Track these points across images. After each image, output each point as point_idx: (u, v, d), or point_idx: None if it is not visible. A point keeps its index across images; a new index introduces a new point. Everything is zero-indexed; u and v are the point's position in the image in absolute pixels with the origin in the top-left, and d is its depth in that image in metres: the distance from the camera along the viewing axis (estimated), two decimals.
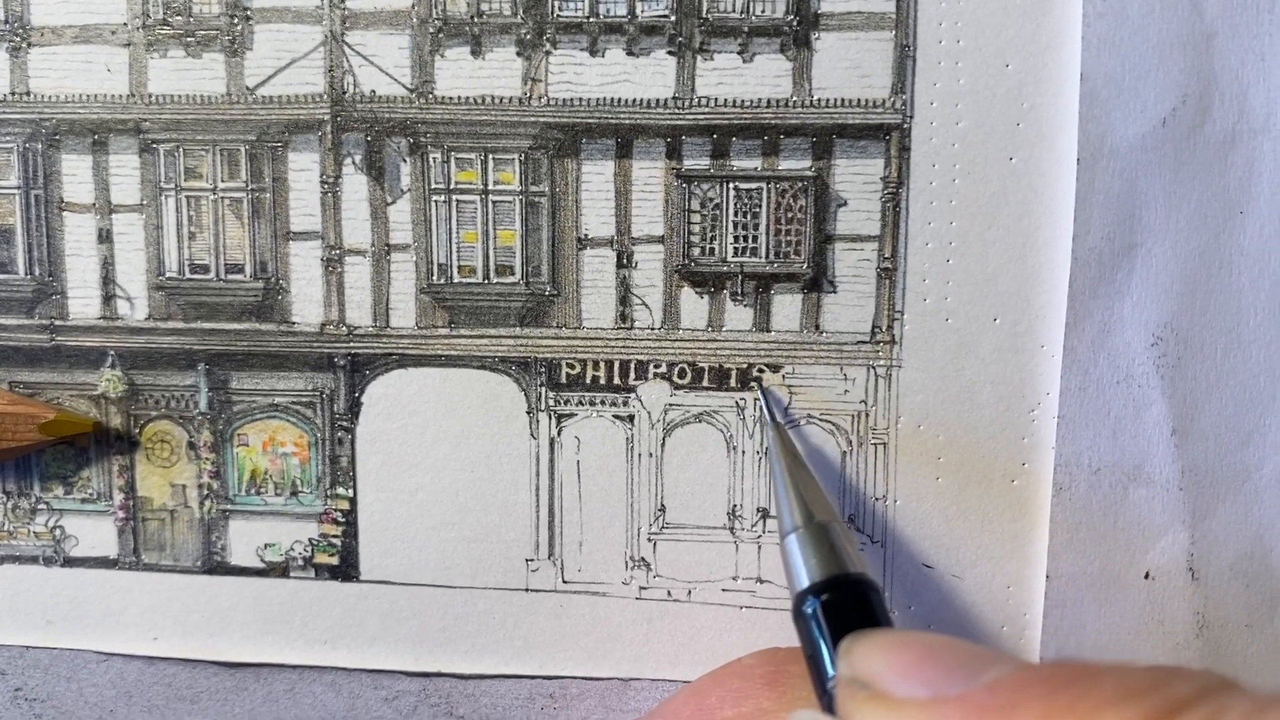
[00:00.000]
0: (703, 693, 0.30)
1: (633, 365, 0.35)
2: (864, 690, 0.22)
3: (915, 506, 0.34)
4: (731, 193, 0.34)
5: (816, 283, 0.34)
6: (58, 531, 0.37)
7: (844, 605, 0.27)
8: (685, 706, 0.30)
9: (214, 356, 0.36)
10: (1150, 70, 0.32)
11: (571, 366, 0.35)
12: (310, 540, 0.36)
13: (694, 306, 0.35)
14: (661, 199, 0.34)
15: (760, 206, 0.34)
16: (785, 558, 0.29)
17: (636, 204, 0.34)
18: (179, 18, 0.35)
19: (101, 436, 0.37)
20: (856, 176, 0.33)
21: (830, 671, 0.25)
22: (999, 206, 0.33)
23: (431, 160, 0.35)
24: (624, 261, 0.35)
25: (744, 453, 0.35)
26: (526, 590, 0.36)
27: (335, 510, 0.36)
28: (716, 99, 0.34)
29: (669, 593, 0.35)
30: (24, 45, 0.35)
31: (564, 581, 0.36)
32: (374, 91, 0.34)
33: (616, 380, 0.35)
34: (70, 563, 0.37)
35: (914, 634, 0.23)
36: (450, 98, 0.34)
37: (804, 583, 0.28)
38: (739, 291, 0.34)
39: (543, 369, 0.35)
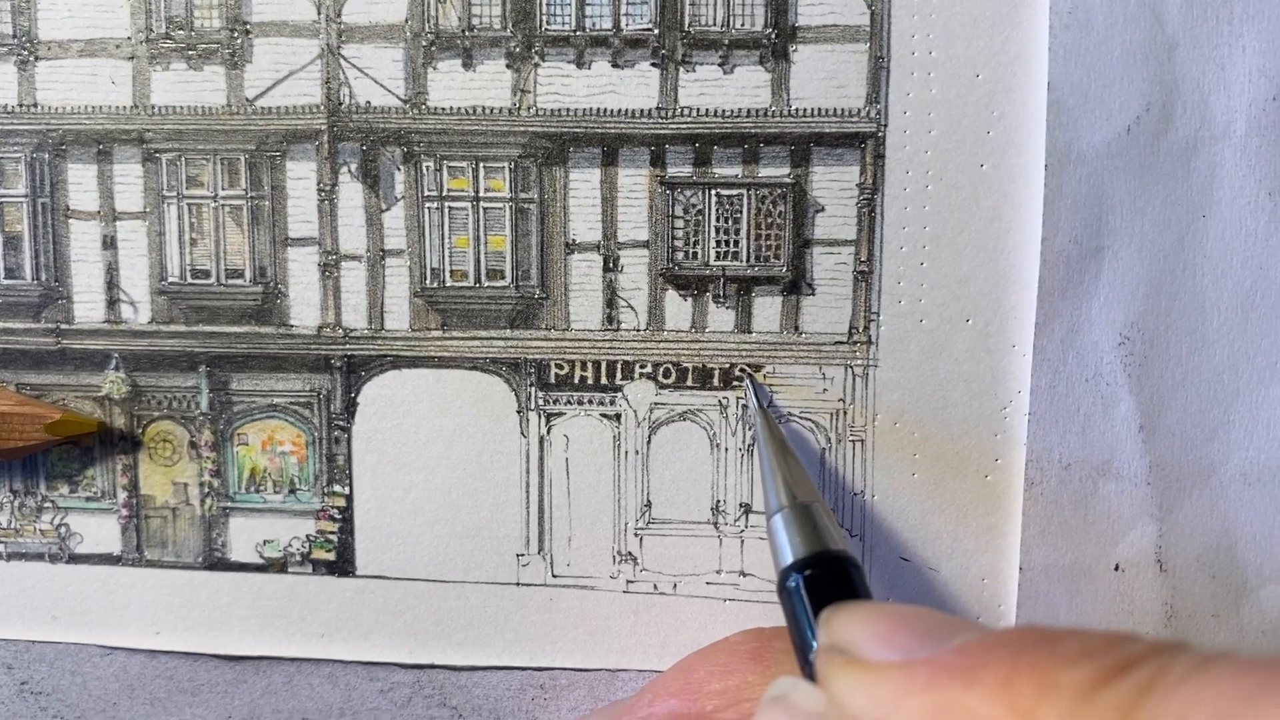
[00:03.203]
0: (691, 669, 0.31)
1: (619, 365, 0.36)
2: (841, 656, 0.22)
3: (892, 501, 0.35)
4: (713, 199, 0.35)
5: (796, 285, 0.35)
6: (63, 529, 0.38)
7: (825, 580, 0.28)
8: (674, 682, 0.31)
9: (215, 358, 0.37)
10: (1115, 80, 0.33)
11: (560, 367, 0.36)
12: (308, 536, 0.37)
13: (678, 309, 0.36)
14: (646, 205, 0.35)
15: (741, 212, 0.35)
16: (770, 536, 0.30)
17: (622, 210, 0.35)
18: (181, 32, 0.36)
19: (105, 436, 0.38)
20: (833, 183, 0.35)
21: (812, 643, 0.26)
22: (970, 211, 0.34)
23: (424, 168, 0.36)
24: (610, 265, 0.36)
25: (727, 450, 0.36)
26: (517, 584, 0.37)
27: (332, 507, 0.37)
28: (698, 109, 0.35)
29: (655, 586, 0.36)
30: (31, 59, 0.36)
31: (553, 575, 0.37)
32: (369, 102, 0.36)
33: (603, 380, 0.36)
34: (75, 559, 0.38)
35: (889, 605, 0.24)
36: (442, 108, 0.36)
37: (788, 559, 0.29)
38: (721, 294, 0.35)
39: (532, 369, 0.36)
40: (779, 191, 0.35)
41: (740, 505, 0.36)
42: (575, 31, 0.35)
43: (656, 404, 0.36)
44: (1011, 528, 0.35)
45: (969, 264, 0.34)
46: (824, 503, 0.31)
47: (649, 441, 0.36)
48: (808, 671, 0.27)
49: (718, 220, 0.35)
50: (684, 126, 0.35)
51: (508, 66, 0.35)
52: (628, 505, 0.36)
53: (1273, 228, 0.33)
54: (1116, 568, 0.34)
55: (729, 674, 0.30)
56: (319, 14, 0.35)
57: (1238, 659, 0.17)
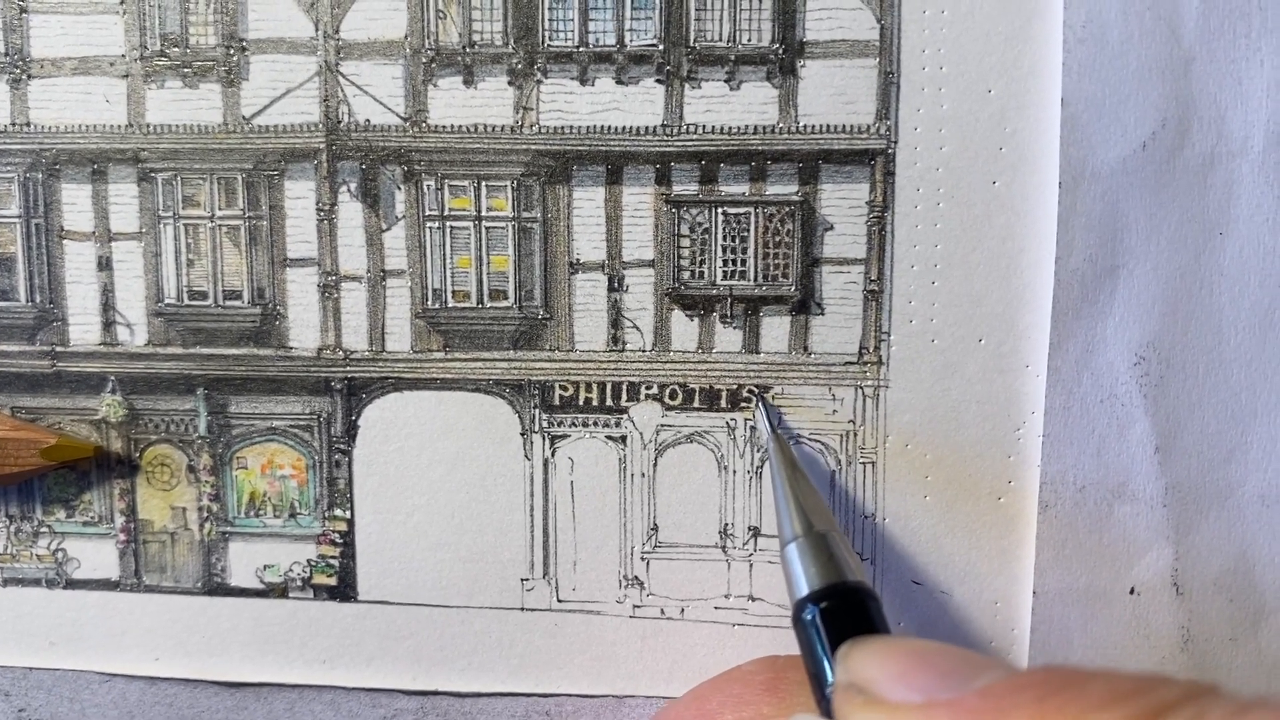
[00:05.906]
0: (704, 698, 0.30)
1: (624, 387, 0.35)
2: (860, 695, 0.22)
3: (904, 524, 0.34)
4: (720, 217, 0.35)
5: (804, 305, 0.34)
6: (60, 554, 0.38)
7: (842, 612, 0.27)
8: (687, 711, 0.30)
9: (213, 381, 0.36)
10: (1130, 95, 0.32)
11: (564, 388, 0.36)
12: (309, 561, 0.37)
13: (684, 329, 0.35)
14: (651, 224, 0.35)
15: (748, 231, 0.34)
16: (785, 566, 0.29)
17: (627, 229, 0.35)
18: (176, 49, 0.35)
19: (102, 461, 0.37)
20: (842, 201, 0.34)
21: (829, 677, 0.26)
22: (983, 229, 0.33)
23: (425, 187, 0.35)
24: (615, 285, 0.35)
25: (735, 472, 0.35)
26: (522, 609, 0.36)
27: (333, 531, 0.37)
28: (704, 126, 0.34)
29: (662, 611, 0.36)
30: (24, 77, 0.36)
31: (559, 600, 0.36)
32: (368, 120, 0.35)
33: (609, 402, 0.36)
34: (72, 585, 0.38)
35: (909, 640, 0.23)
36: (443, 126, 0.35)
37: (803, 590, 0.28)
38: (728, 314, 0.35)
39: (536, 391, 0.36)
40: (787, 210, 0.34)
41: (749, 528, 0.35)
42: (578, 47, 0.34)
43: (663, 426, 0.35)
44: (1025, 551, 0.34)
45: (981, 283, 0.33)
46: (840, 532, 0.30)
47: (655, 464, 0.36)
48: (824, 705, 0.26)
49: (724, 239, 0.35)
50: (690, 144, 0.34)
51: (510, 83, 0.34)
52: (634, 529, 0.36)
53: None
54: (1132, 591, 0.34)
55: (743, 705, 0.30)
56: (316, 30, 0.35)
57: (1275, 704, 0.17)
